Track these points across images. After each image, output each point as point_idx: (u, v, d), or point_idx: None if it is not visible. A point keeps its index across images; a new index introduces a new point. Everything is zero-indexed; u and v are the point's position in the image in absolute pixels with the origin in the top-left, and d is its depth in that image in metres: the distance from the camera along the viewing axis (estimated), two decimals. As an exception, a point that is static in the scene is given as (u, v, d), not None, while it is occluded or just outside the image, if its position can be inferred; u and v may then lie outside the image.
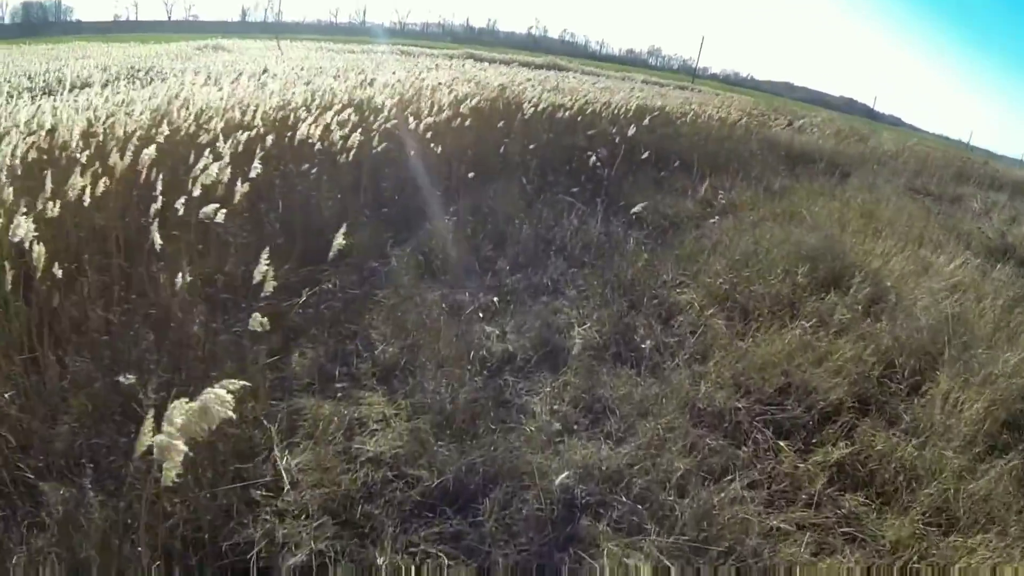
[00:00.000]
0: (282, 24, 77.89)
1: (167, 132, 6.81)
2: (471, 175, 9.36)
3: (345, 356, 5.34)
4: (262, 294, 4.46)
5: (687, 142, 14.83)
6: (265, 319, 4.05)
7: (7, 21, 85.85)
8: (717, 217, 10.00)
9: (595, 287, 6.77)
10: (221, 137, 7.11)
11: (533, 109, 12.17)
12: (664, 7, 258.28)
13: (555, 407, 4.83)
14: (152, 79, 19.00)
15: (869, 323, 6.60)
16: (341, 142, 7.96)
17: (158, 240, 4.79)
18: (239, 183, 5.90)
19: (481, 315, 6.11)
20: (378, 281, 6.64)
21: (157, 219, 5.07)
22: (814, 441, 4.81)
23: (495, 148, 10.51)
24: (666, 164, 12.93)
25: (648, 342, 5.83)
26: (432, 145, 9.30)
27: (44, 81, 19.77)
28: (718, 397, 5.09)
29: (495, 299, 6.36)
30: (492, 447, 4.21)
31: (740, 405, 5.04)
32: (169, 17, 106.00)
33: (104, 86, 13.81)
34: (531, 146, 10.97)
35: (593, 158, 10.78)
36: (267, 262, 4.43)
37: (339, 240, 5.08)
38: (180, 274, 4.66)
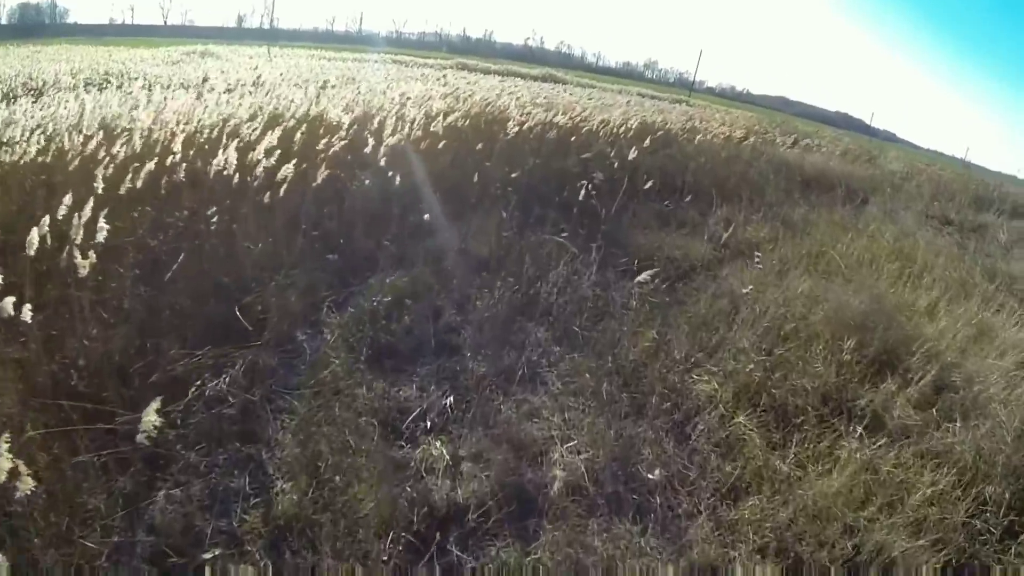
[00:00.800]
0: (278, 31, 76.38)
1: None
2: (440, 209, 7.64)
3: (227, 501, 3.66)
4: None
5: (693, 164, 13.12)
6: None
7: (3, 22, 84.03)
8: (736, 273, 8.31)
9: (586, 378, 5.07)
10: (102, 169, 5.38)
11: (518, 128, 10.49)
12: (661, 20, 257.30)
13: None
14: (116, 86, 17.27)
15: (940, 426, 5.08)
16: (273, 172, 6.21)
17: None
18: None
19: (429, 425, 4.40)
20: (299, 366, 4.92)
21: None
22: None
23: (472, 174, 8.77)
24: (671, 192, 11.22)
25: (657, 471, 4.16)
26: (391, 174, 7.55)
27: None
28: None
29: (450, 399, 4.65)
30: None
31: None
32: (165, 22, 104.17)
33: (38, 96, 12.05)
34: (514, 174, 9.23)
35: (587, 186, 9.07)
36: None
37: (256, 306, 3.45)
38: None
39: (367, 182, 7.66)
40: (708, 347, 5.77)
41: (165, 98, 9.43)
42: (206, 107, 8.36)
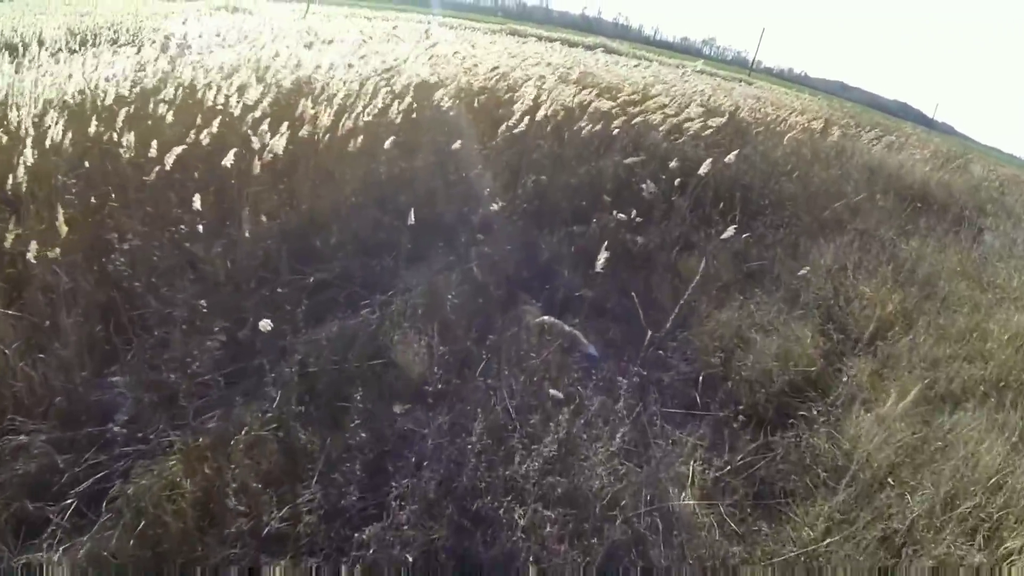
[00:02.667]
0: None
1: None
2: (360, 263, 4.22)
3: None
4: None
5: (776, 171, 9.32)
6: None
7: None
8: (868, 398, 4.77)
9: None
10: None
11: (529, 116, 6.39)
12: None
13: None
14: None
15: None
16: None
17: None
18: None
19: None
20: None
21: None
22: None
23: (444, 193, 5.23)
24: (749, 216, 7.49)
25: None
26: (281, 198, 4.25)
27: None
28: None
29: None
30: None
31: None
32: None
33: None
34: (519, 190, 5.61)
35: (629, 217, 5.53)
36: None
37: None
38: None
39: (245, 213, 4.23)
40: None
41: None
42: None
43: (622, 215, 5.75)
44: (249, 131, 4.55)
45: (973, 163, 21.44)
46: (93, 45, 10.04)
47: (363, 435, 3.36)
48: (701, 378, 4.33)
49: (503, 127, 5.77)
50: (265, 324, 3.56)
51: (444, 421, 3.52)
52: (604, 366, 4.22)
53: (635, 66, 17.32)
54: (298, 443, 3.28)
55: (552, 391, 3.81)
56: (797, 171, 9.73)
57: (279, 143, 4.45)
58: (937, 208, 11.61)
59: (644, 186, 6.84)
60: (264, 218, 4.66)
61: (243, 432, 3.24)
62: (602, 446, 3.54)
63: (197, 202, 4.08)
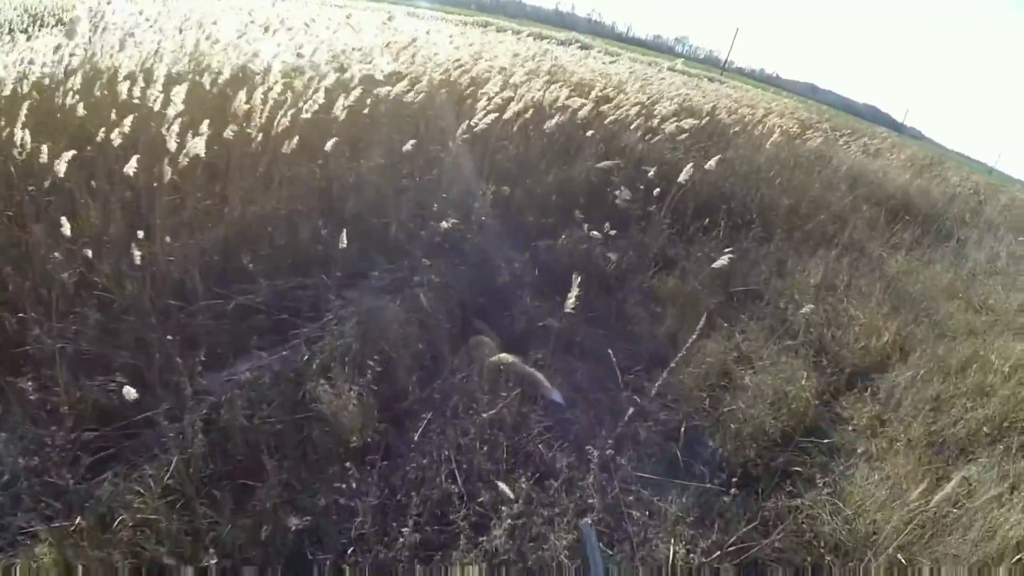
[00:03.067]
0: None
1: None
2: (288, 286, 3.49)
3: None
4: None
5: (759, 177, 8.65)
6: None
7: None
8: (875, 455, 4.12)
9: None
10: None
11: (493, 116, 5.36)
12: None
13: None
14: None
15: None
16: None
17: None
18: None
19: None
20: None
21: None
22: None
23: (392, 203, 4.48)
24: (732, 228, 6.80)
25: None
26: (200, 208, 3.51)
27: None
28: None
29: None
30: None
31: None
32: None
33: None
34: (476, 202, 4.87)
35: (603, 232, 4.83)
36: None
37: None
38: None
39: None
40: None
41: None
42: None
43: (595, 232, 5.04)
44: (164, 130, 3.74)
45: (948, 171, 21.04)
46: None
47: (277, 515, 2.65)
48: (683, 430, 3.64)
49: (463, 126, 4.99)
50: (174, 359, 2.83)
51: (375, 497, 2.80)
52: (570, 415, 3.52)
53: (610, 62, 16.52)
54: (198, 524, 2.57)
55: (507, 449, 3.11)
56: (780, 178, 9.08)
57: (198, 144, 3.67)
58: (921, 218, 11.05)
59: (619, 193, 6.15)
60: (180, 232, 3.90)
61: (131, 510, 2.53)
62: (567, 522, 2.85)
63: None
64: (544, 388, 3.55)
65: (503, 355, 3.65)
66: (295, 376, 3.28)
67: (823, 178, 10.87)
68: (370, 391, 3.22)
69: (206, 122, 3.88)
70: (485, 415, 3.22)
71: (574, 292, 3.30)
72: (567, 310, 3.30)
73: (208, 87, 4.89)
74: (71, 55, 4.99)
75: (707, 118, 10.77)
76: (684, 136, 8.42)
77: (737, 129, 12.07)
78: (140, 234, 3.46)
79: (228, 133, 4.01)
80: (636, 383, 3.96)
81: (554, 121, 6.08)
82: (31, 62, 4.76)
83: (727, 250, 6.06)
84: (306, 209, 4.38)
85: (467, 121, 5.14)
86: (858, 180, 11.94)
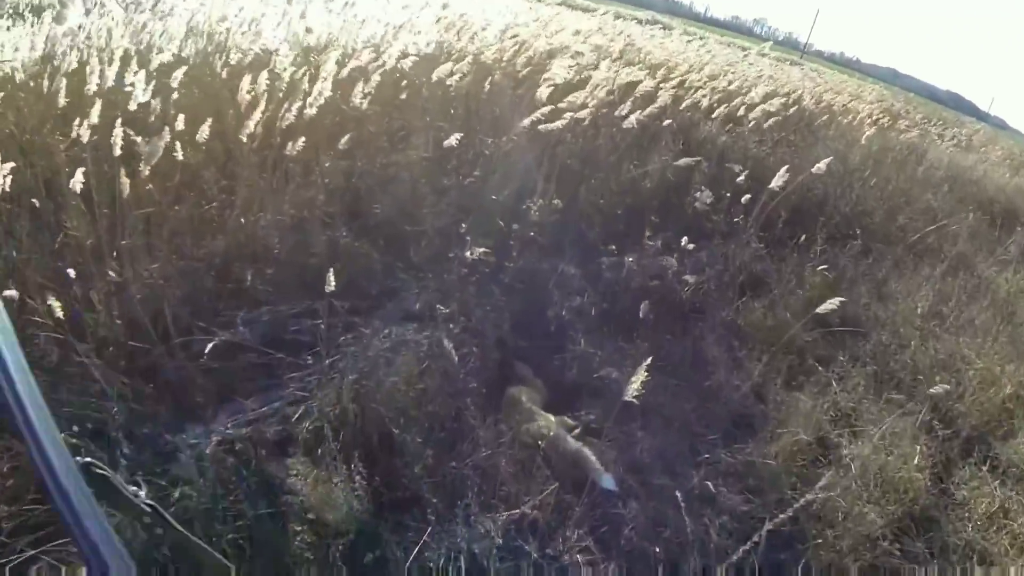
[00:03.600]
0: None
1: None
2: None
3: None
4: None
5: (854, 177, 7.52)
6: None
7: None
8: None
9: None
10: None
11: (558, 105, 4.31)
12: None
13: None
14: None
15: None
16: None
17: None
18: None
19: None
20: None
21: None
22: None
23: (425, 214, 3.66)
24: (825, 239, 5.69)
25: None
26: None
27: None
28: None
29: None
30: None
31: None
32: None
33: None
34: (532, 207, 4.02)
35: (676, 267, 3.94)
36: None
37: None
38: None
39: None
40: None
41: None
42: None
43: (668, 259, 4.15)
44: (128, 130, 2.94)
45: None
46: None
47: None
48: (764, 535, 2.74)
49: (527, 120, 4.04)
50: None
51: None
52: (624, 511, 2.68)
53: (688, 42, 15.17)
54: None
55: (533, 568, 2.30)
56: (876, 177, 7.96)
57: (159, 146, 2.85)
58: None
59: (698, 195, 5.23)
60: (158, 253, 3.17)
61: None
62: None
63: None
64: (594, 470, 2.74)
65: (543, 421, 2.85)
66: (278, 442, 2.53)
67: (918, 178, 9.63)
68: (363, 483, 2.44)
69: (182, 116, 3.11)
70: (510, 514, 2.41)
71: (639, 377, 2.44)
72: (629, 397, 2.44)
73: (217, 71, 4.10)
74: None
75: (794, 107, 9.58)
76: (770, 124, 7.38)
77: (825, 119, 10.87)
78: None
79: (205, 132, 3.18)
80: (712, 458, 3.10)
81: (628, 109, 5.13)
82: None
83: (821, 268, 5.13)
84: (311, 226, 3.59)
85: (527, 111, 4.24)
86: (955, 180, 10.60)
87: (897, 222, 7.19)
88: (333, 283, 2.59)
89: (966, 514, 3.45)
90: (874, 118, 12.90)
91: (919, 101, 29.55)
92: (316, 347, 2.95)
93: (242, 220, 3.42)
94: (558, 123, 4.07)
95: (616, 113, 5.14)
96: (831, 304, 3.47)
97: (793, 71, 19.55)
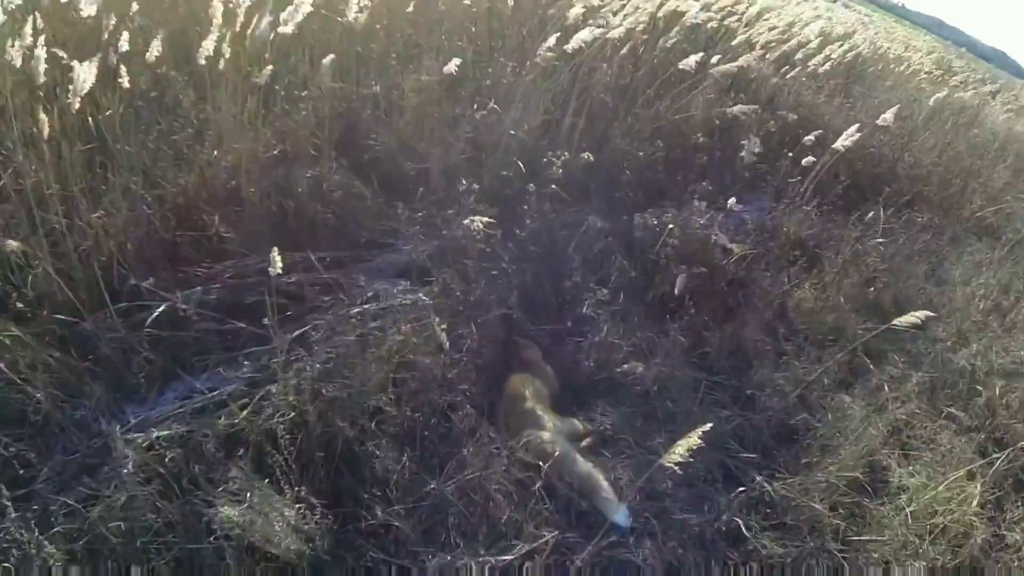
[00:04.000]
0: None
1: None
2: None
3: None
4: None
5: (913, 139, 6.73)
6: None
7: None
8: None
9: None
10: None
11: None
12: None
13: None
14: None
15: None
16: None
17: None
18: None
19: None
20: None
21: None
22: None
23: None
24: (886, 205, 4.97)
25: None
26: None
27: None
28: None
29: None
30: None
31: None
32: None
33: None
34: (555, 162, 3.30)
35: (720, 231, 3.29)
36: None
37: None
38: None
39: None
40: None
41: None
42: None
43: (711, 221, 3.46)
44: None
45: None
46: None
47: None
48: None
49: (546, 44, 3.27)
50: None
51: None
52: (634, 554, 2.11)
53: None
54: None
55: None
56: (934, 139, 7.15)
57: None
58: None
59: (746, 143, 4.48)
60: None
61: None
62: None
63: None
64: (604, 501, 2.17)
65: (547, 434, 2.26)
66: (226, 439, 1.96)
67: (972, 141, 8.79)
68: (325, 490, 1.87)
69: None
70: (498, 560, 1.85)
71: (686, 444, 1.82)
72: (670, 464, 1.83)
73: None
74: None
75: (852, 52, 8.65)
76: (826, 69, 6.55)
77: (880, 68, 9.95)
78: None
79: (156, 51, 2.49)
80: (746, 487, 2.51)
81: (672, 37, 4.33)
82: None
83: (877, 239, 4.46)
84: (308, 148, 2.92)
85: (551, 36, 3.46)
86: (1007, 146, 9.72)
87: (951, 192, 6.44)
88: (280, 266, 1.95)
89: (1014, 556, 2.89)
90: (927, 70, 11.92)
91: (971, 58, 27.85)
92: (287, 312, 2.33)
93: (205, 156, 2.75)
94: (585, 38, 3.31)
95: (657, 43, 4.37)
96: (914, 317, 2.75)
97: (848, 14, 18.18)
